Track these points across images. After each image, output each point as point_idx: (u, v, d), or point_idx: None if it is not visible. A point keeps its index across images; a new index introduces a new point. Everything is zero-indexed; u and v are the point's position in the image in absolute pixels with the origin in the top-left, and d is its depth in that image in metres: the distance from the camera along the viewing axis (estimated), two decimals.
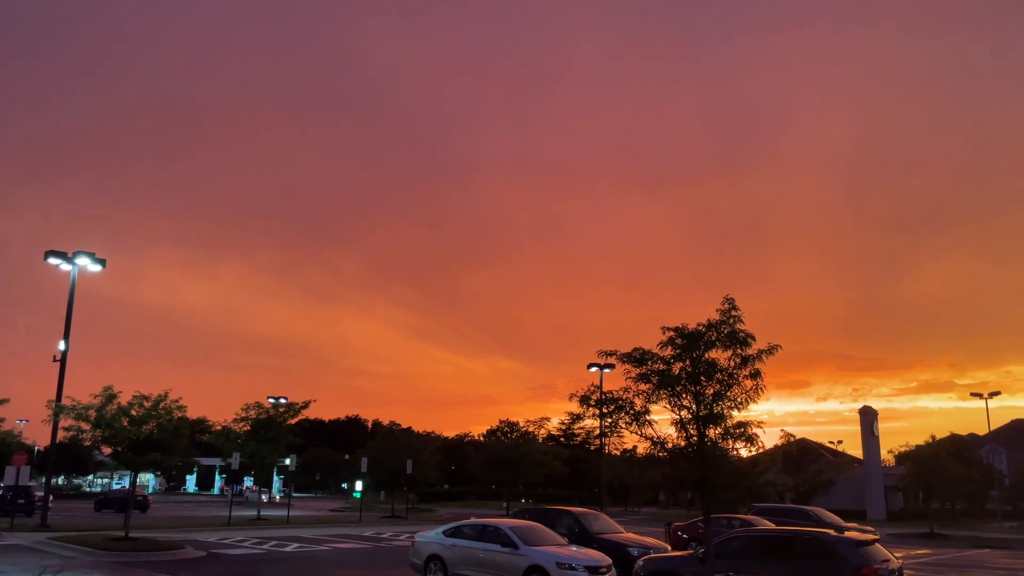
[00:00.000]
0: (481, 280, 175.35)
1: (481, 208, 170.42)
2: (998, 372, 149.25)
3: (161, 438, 24.24)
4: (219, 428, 40.41)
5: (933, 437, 51.96)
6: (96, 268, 32.51)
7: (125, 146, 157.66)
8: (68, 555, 21.65)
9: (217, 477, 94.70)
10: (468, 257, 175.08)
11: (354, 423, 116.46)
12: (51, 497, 33.62)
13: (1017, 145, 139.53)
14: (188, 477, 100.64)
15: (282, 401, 40.70)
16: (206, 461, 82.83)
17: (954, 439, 64.38)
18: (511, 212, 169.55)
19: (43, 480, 35.97)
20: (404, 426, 55.25)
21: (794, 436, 52.16)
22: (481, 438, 78.99)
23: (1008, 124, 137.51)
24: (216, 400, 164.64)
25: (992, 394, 51.75)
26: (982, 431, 69.36)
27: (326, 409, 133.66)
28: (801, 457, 54.56)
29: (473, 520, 18.71)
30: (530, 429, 51.53)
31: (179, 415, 24.91)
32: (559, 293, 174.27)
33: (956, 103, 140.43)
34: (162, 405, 24.47)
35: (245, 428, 38.70)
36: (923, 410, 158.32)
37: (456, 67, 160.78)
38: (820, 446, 70.68)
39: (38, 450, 66.35)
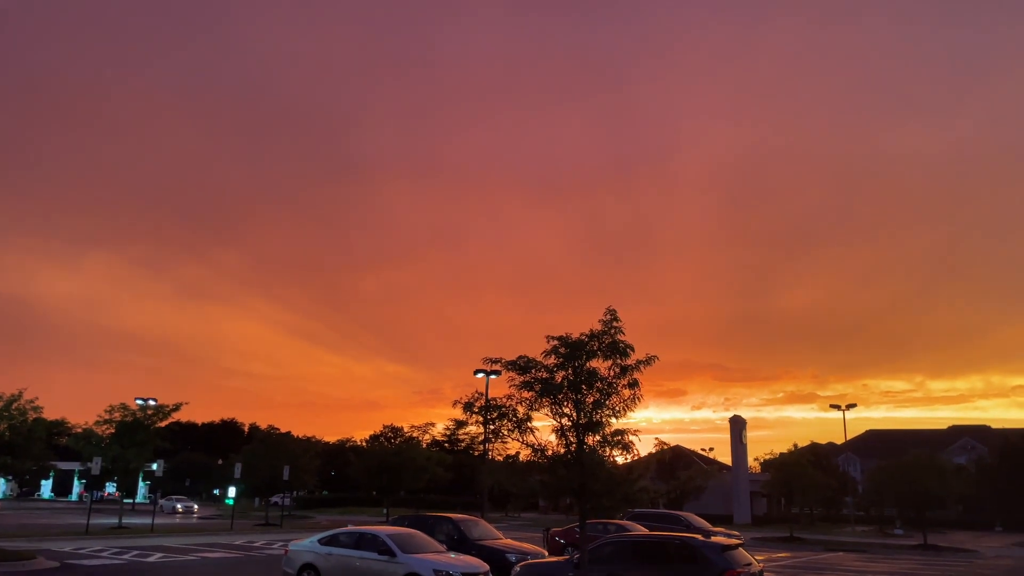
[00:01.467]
0: (371, 283, 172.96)
1: (374, 210, 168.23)
2: (855, 385, 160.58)
3: (13, 441, 22.57)
4: (80, 431, 37.95)
5: (795, 445, 55.45)
6: None
7: None
8: None
9: (76, 482, 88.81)
10: (359, 259, 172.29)
11: (229, 427, 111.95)
12: None
13: (879, 175, 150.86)
14: (43, 482, 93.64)
15: (151, 403, 38.58)
16: (64, 465, 77.40)
17: (814, 448, 68.76)
18: (405, 215, 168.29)
19: None
20: (284, 430, 53.48)
21: (668, 444, 54.32)
22: (364, 443, 77.64)
23: (872, 156, 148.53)
24: (79, 401, 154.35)
25: (849, 406, 55.44)
26: (840, 440, 74.28)
27: (200, 412, 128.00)
28: (675, 464, 56.79)
29: (350, 528, 18.36)
30: (414, 435, 51.11)
31: (34, 416, 23.24)
32: (450, 298, 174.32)
33: (829, 132, 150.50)
34: (15, 405, 22.76)
35: (109, 431, 36.45)
36: (788, 419, 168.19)
37: (352, 64, 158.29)
38: (693, 453, 73.75)
39: None
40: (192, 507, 60.34)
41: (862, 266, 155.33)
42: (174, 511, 51.47)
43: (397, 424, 50.86)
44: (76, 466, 67.47)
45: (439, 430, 77.11)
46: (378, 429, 59.22)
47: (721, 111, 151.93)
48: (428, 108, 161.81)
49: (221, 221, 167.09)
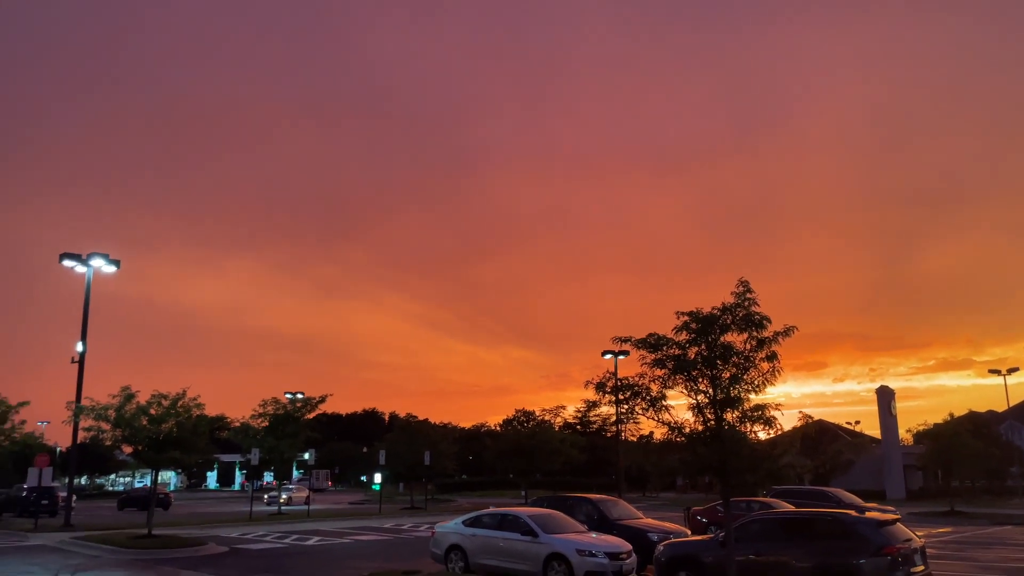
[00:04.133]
0: (493, 270, 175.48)
1: (491, 197, 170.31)
2: (1017, 348, 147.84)
3: (180, 436, 24.43)
4: (237, 425, 40.69)
5: (951, 415, 51.61)
6: (111, 269, 32.73)
7: (134, 149, 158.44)
8: (92, 554, 21.88)
9: (237, 473, 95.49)
10: (479, 247, 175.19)
11: (370, 416, 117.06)
12: (74, 497, 34.02)
13: None
14: (209, 474, 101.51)
15: (299, 396, 40.94)
16: (226, 458, 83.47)
17: (973, 416, 63.88)
18: (521, 201, 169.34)
19: (65, 480, 36.33)
20: (420, 418, 55.34)
21: (812, 417, 52.00)
22: (497, 428, 79.09)
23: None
24: (232, 397, 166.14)
25: (1011, 370, 51.41)
26: (1001, 408, 68.76)
27: (342, 403, 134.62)
28: (819, 439, 54.41)
29: (492, 509, 18.76)
30: (546, 418, 51.50)
31: (197, 413, 25.09)
32: (571, 281, 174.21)
33: (972, 74, 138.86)
34: (180, 403, 24.64)
35: (263, 424, 38.96)
36: (941, 388, 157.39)
37: (463, 55, 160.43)
38: (837, 427, 70.41)
39: (60, 451, 67.04)
40: (289, 495, 48.13)
41: (1018, 217, 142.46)
42: (279, 501, 44.09)
43: (528, 408, 51.41)
44: (237, 458, 72.55)
45: (570, 412, 77.27)
46: (510, 414, 60.28)
47: (848, 63, 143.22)
48: (541, 90, 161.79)
49: (349, 220, 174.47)
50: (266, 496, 50.76)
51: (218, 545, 23.82)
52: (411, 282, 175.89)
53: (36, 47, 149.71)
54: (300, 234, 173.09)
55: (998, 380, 51.39)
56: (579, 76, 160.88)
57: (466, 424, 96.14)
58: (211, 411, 26.90)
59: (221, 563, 19.94)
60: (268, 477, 62.35)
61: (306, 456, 41.79)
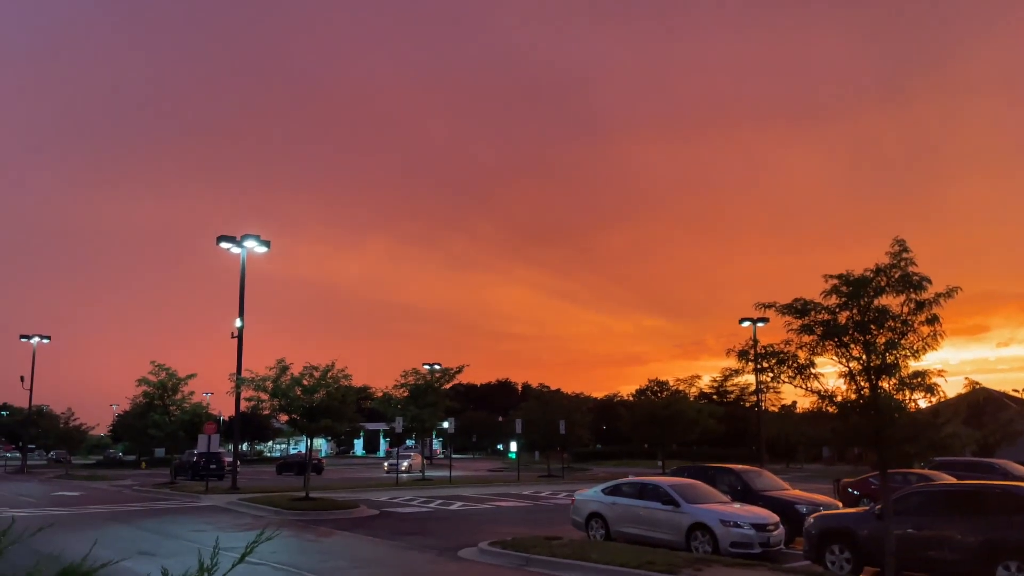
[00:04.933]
0: (622, 237, 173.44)
1: (619, 163, 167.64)
2: None
3: (331, 405, 25.89)
4: (380, 395, 42.61)
5: None
6: (262, 249, 34.88)
7: (281, 136, 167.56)
8: (258, 514, 23.67)
9: (382, 440, 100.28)
10: (607, 215, 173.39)
11: (504, 386, 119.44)
12: (238, 462, 36.90)
13: None
14: (355, 441, 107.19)
15: (436, 367, 42.32)
16: (371, 426, 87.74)
17: None
18: (651, 164, 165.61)
19: (230, 447, 39.42)
20: (553, 388, 55.97)
21: (978, 384, 48.29)
22: (631, 398, 78.60)
23: None
24: (374, 368, 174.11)
25: None
26: None
27: (476, 373, 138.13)
28: (984, 407, 50.56)
29: (632, 479, 18.75)
30: (680, 387, 50.72)
31: (345, 383, 26.48)
32: (704, 245, 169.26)
33: None
34: (330, 375, 26.08)
35: (404, 394, 40.61)
36: None
37: (585, 20, 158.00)
38: (1004, 395, 65.16)
39: (223, 420, 72.81)
40: (409, 462, 47.96)
41: None
42: (399, 469, 43.55)
43: (661, 378, 50.76)
44: (381, 426, 76.21)
45: (705, 382, 75.76)
46: (643, 383, 59.60)
47: None
48: (664, 46, 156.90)
49: (479, 194, 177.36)
50: (385, 463, 52.67)
51: (369, 508, 25.16)
52: (540, 253, 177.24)
53: (194, 37, 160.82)
54: (432, 209, 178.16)
55: None
56: (706, 27, 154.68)
57: (599, 394, 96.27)
58: (356, 382, 28.41)
59: (372, 525, 21.06)
60: (410, 443, 65.16)
61: (445, 424, 43.26)
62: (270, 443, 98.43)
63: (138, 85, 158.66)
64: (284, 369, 25.67)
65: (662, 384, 54.64)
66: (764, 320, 43.07)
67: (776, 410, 55.62)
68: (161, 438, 38.45)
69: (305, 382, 25.79)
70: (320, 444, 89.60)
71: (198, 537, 17.69)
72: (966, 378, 50.42)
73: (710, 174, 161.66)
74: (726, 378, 77.51)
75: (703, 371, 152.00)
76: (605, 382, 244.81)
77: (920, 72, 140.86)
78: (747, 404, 76.25)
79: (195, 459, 41.02)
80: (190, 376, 37.97)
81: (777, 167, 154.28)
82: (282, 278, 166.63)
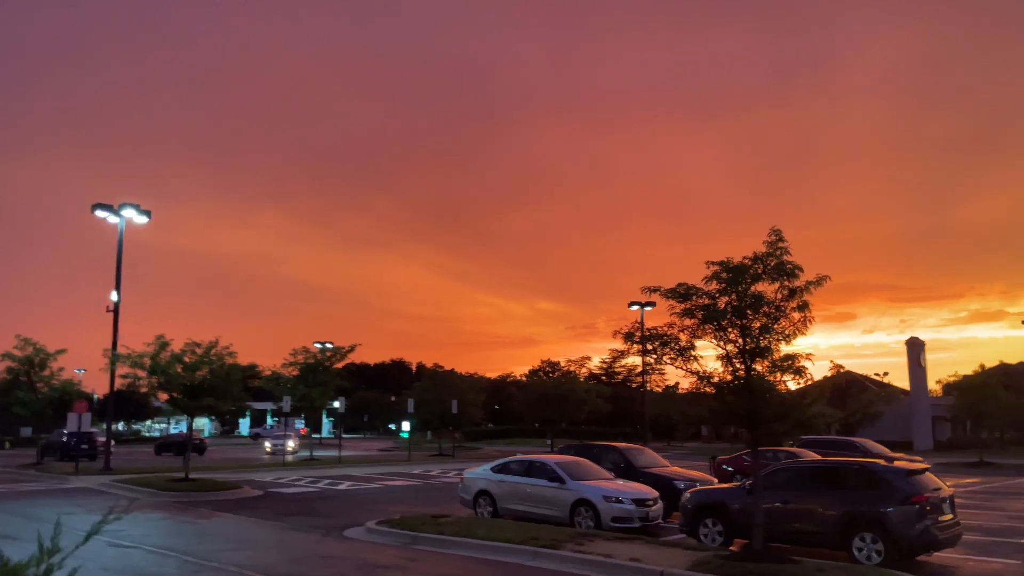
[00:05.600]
0: (520, 221, 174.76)
1: (520, 147, 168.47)
2: None
3: (214, 383, 24.98)
4: (269, 373, 41.47)
5: (982, 367, 51.09)
6: (142, 220, 33.06)
7: (164, 101, 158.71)
8: (133, 496, 22.61)
9: (269, 420, 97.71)
10: (507, 198, 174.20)
11: (398, 366, 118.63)
12: (112, 442, 35.03)
13: None
14: (241, 421, 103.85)
15: (328, 346, 41.52)
16: (258, 405, 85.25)
17: (1004, 368, 63.19)
18: (551, 150, 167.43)
19: (103, 427, 37.42)
20: (447, 368, 56.04)
21: (843, 368, 51.70)
22: (523, 378, 79.86)
23: None
24: (264, 347, 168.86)
25: None
26: None
27: (370, 353, 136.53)
28: (848, 389, 54.21)
29: (520, 456, 19.04)
30: (571, 368, 51.93)
31: (230, 361, 25.59)
32: (601, 232, 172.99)
33: (1016, 15, 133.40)
34: (213, 352, 25.13)
35: (294, 372, 39.68)
36: (972, 340, 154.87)
37: (490, 4, 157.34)
38: (866, 378, 69.97)
39: (97, 398, 68.97)
40: (284, 446, 44.83)
41: None
42: (285, 450, 43.23)
43: (554, 359, 51.79)
44: (269, 405, 74.16)
45: (595, 363, 77.86)
46: (536, 364, 60.63)
47: (888, 5, 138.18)
48: (571, 38, 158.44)
49: (378, 172, 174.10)
50: (267, 443, 51.13)
51: (252, 489, 24.50)
52: (439, 234, 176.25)
53: (70, 4, 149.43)
54: (329, 186, 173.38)
55: None
56: (610, 22, 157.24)
57: (493, 375, 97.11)
58: (243, 360, 27.45)
59: (256, 506, 20.53)
60: (299, 424, 63.78)
61: (336, 404, 42.57)
62: (148, 422, 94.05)
63: (4, 43, 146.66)
64: (164, 345, 24.54)
65: (554, 365, 55.71)
66: (651, 304, 44.52)
67: (660, 390, 57.88)
68: (27, 417, 36.07)
69: (187, 359, 24.76)
70: (203, 423, 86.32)
71: (67, 520, 16.71)
72: (831, 362, 53.84)
73: (607, 163, 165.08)
74: (614, 360, 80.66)
75: (594, 353, 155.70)
76: (500, 363, 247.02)
77: (805, 75, 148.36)
78: (634, 385, 78.84)
79: (64, 439, 38.74)
80: (60, 351, 35.71)
81: (671, 158, 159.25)
82: (165, 251, 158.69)
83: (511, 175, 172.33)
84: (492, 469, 18.14)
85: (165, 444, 52.07)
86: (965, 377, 48.30)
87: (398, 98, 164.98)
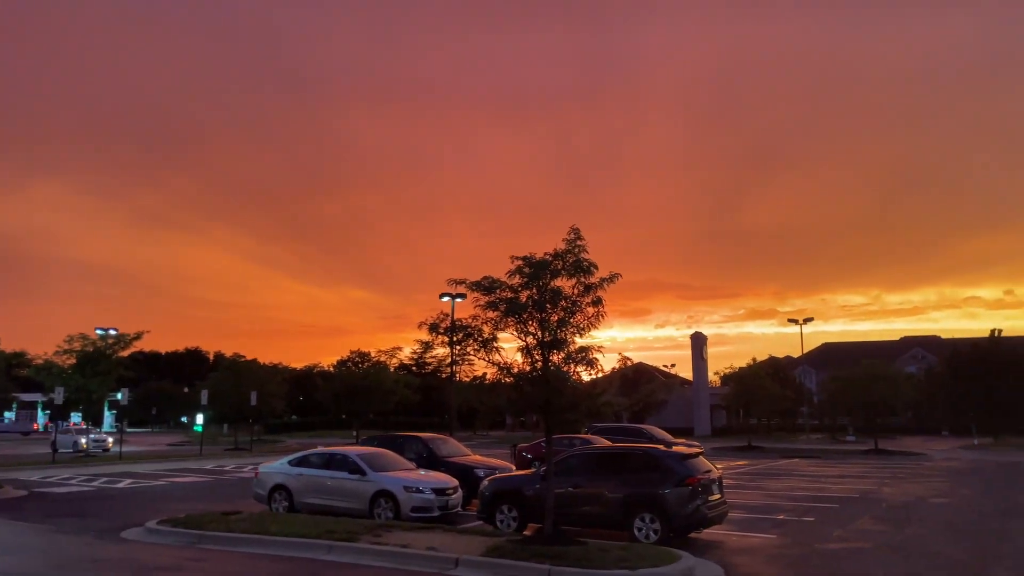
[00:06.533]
0: (335, 208, 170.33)
1: (335, 133, 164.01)
2: (814, 300, 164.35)
3: None
4: (40, 362, 37.51)
5: (754, 360, 56.85)
6: None
7: None
8: None
9: (40, 413, 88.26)
10: (321, 183, 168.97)
11: (194, 355, 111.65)
12: None
13: (848, 87, 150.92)
14: (7, 414, 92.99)
15: (111, 333, 38.17)
16: (27, 397, 76.73)
17: (772, 361, 70.84)
18: (368, 138, 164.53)
19: None
20: (249, 358, 53.39)
21: (631, 360, 55.38)
22: (331, 369, 78.04)
23: (843, 67, 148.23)
24: (39, 333, 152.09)
25: (806, 320, 56.72)
26: (797, 354, 76.33)
27: (164, 341, 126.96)
28: (638, 379, 58.10)
29: (320, 449, 18.66)
30: (382, 359, 51.46)
31: None
32: (415, 222, 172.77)
33: (800, 42, 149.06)
34: None
35: (70, 361, 36.12)
36: (748, 335, 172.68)
37: None
38: (655, 369, 75.51)
39: None
40: (105, 441, 43.39)
41: (825, 183, 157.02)
42: (77, 448, 40.77)
43: (364, 349, 51.12)
44: (39, 397, 66.84)
45: (406, 354, 77.48)
46: (345, 355, 59.38)
47: (692, 21, 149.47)
48: (391, 27, 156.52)
49: (174, 146, 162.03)
50: (82, 440, 45.87)
51: (15, 489, 22.05)
52: (245, 216, 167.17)
53: None
54: (120, 159, 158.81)
55: (796, 329, 56.78)
56: (430, 13, 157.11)
57: (299, 365, 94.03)
58: (8, 346, 24.66)
59: (19, 507, 18.50)
60: (75, 418, 58.13)
61: (119, 396, 39.23)
62: None
63: None
64: None
65: (364, 355, 54.91)
66: (462, 296, 45.16)
67: (468, 380, 59.00)
68: None
69: None
70: None
71: None
72: (620, 354, 57.10)
73: (424, 154, 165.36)
74: (424, 351, 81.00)
75: (406, 343, 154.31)
76: (307, 353, 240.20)
77: (611, 82, 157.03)
78: (443, 375, 79.63)
79: None
80: None
81: (489, 154, 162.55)
82: None
83: (325, 159, 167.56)
84: (290, 462, 17.62)
85: None
86: (739, 369, 53.52)
87: (202, 69, 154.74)
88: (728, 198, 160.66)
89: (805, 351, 61.53)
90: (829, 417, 62.69)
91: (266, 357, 75.18)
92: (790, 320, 58.30)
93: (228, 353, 62.29)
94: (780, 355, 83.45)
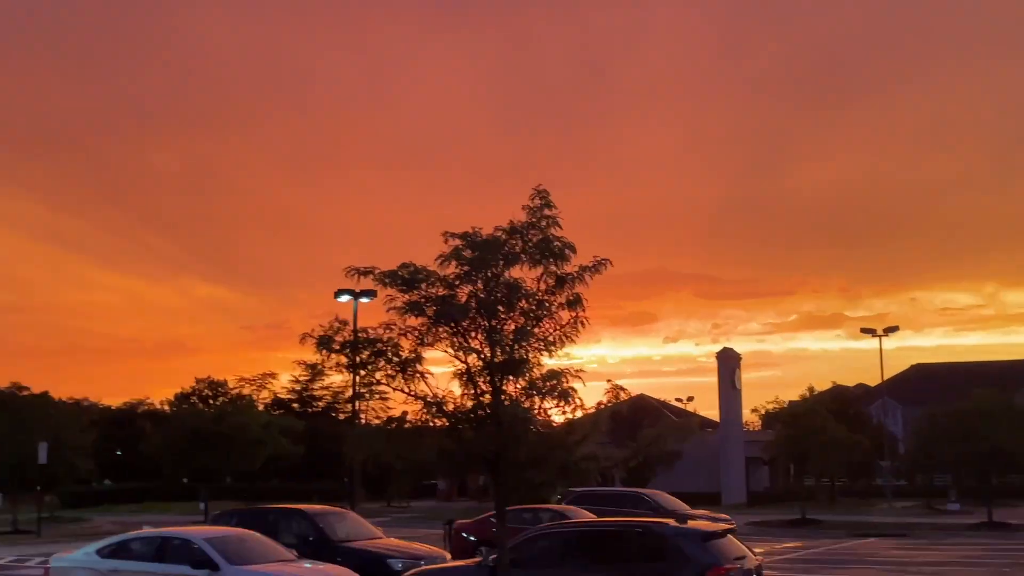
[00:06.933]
0: (170, 157, 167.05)
1: (170, 39, 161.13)
2: (900, 299, 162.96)
3: None
4: None
5: (811, 389, 57.68)
6: None
7: None
8: None
9: None
10: (151, 120, 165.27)
11: None
12: None
13: None
14: None
15: None
16: None
17: (838, 392, 71.67)
18: (222, 50, 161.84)
19: None
20: (37, 391, 52.62)
21: (626, 391, 55.67)
22: (167, 407, 77.23)
23: None
24: None
25: (889, 330, 57.22)
26: (874, 381, 76.97)
27: None
28: (637, 420, 58.43)
29: (147, 531, 18.48)
30: (246, 391, 51.22)
31: None
32: (296, 180, 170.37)
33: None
34: None
35: None
36: (802, 353, 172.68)
37: None
38: (664, 404, 76.03)
39: None
40: None
41: (914, 125, 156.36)
42: None
43: (218, 376, 50.74)
44: None
45: (283, 383, 77.13)
46: (189, 385, 58.88)
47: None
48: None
49: None
50: None
51: None
52: (26, 170, 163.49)
53: None
54: None
55: (873, 343, 57.14)
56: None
57: (115, 402, 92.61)
58: None
59: None
60: None
61: None
62: None
63: None
64: None
65: (218, 385, 54.61)
66: (370, 294, 45.01)
67: (379, 423, 58.78)
68: None
69: None
70: None
71: None
72: (609, 381, 57.58)
73: (312, 73, 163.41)
74: (311, 378, 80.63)
75: (283, 367, 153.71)
76: (129, 383, 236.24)
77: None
78: (343, 416, 79.24)
79: None
80: None
81: (410, 74, 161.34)
82: None
83: (158, 82, 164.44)
84: (100, 553, 17.47)
85: None
86: (790, 403, 54.28)
87: None
88: (772, 145, 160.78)
89: (887, 376, 62.44)
90: (923, 474, 63.77)
91: (63, 390, 74.00)
92: (864, 330, 58.94)
93: (3, 383, 61.11)
94: (850, 383, 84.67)
